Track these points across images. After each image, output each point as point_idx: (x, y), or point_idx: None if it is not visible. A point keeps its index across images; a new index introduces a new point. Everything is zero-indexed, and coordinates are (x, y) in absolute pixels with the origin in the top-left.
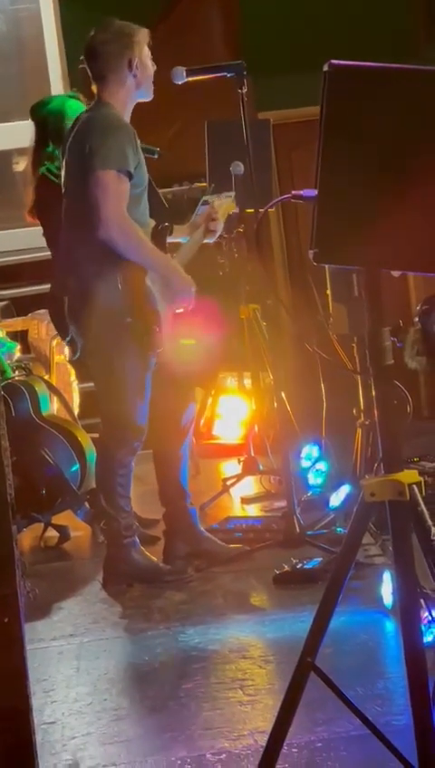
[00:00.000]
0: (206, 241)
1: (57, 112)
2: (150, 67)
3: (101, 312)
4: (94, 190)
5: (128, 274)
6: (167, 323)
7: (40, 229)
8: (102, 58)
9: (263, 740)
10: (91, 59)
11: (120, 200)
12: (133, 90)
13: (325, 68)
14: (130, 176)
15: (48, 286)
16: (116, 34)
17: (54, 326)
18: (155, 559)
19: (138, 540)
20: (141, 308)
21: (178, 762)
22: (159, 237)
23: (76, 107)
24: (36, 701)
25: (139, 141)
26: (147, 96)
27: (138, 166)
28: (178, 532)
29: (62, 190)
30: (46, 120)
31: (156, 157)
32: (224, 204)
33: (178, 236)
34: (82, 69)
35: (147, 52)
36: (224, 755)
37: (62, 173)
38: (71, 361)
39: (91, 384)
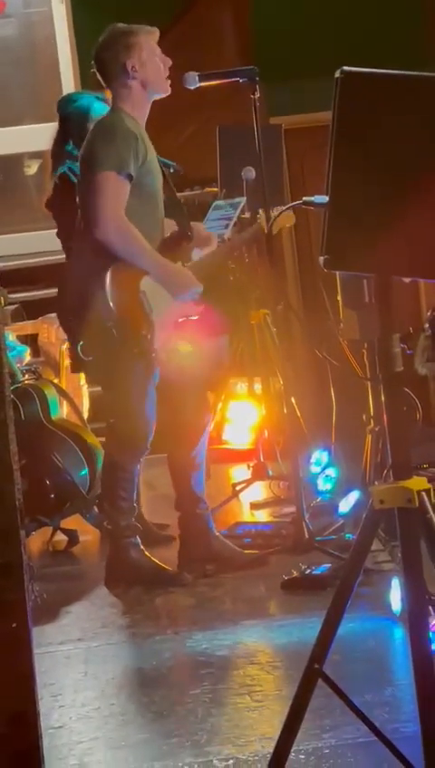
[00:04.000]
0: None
1: (83, 111)
2: (157, 64)
3: (91, 316)
4: (92, 192)
5: (117, 278)
6: (166, 328)
7: (52, 232)
8: (103, 65)
9: (270, 746)
10: (97, 67)
11: (118, 201)
12: (141, 90)
13: (337, 74)
14: (130, 178)
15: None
16: (112, 40)
17: (64, 331)
18: (155, 560)
19: (139, 540)
20: (128, 313)
21: (186, 767)
22: (171, 242)
23: (101, 110)
24: (44, 705)
25: (147, 146)
26: (161, 92)
27: (143, 168)
28: (191, 536)
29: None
30: (69, 118)
31: (172, 171)
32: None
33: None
34: (93, 74)
35: (151, 50)
36: (231, 761)
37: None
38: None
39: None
